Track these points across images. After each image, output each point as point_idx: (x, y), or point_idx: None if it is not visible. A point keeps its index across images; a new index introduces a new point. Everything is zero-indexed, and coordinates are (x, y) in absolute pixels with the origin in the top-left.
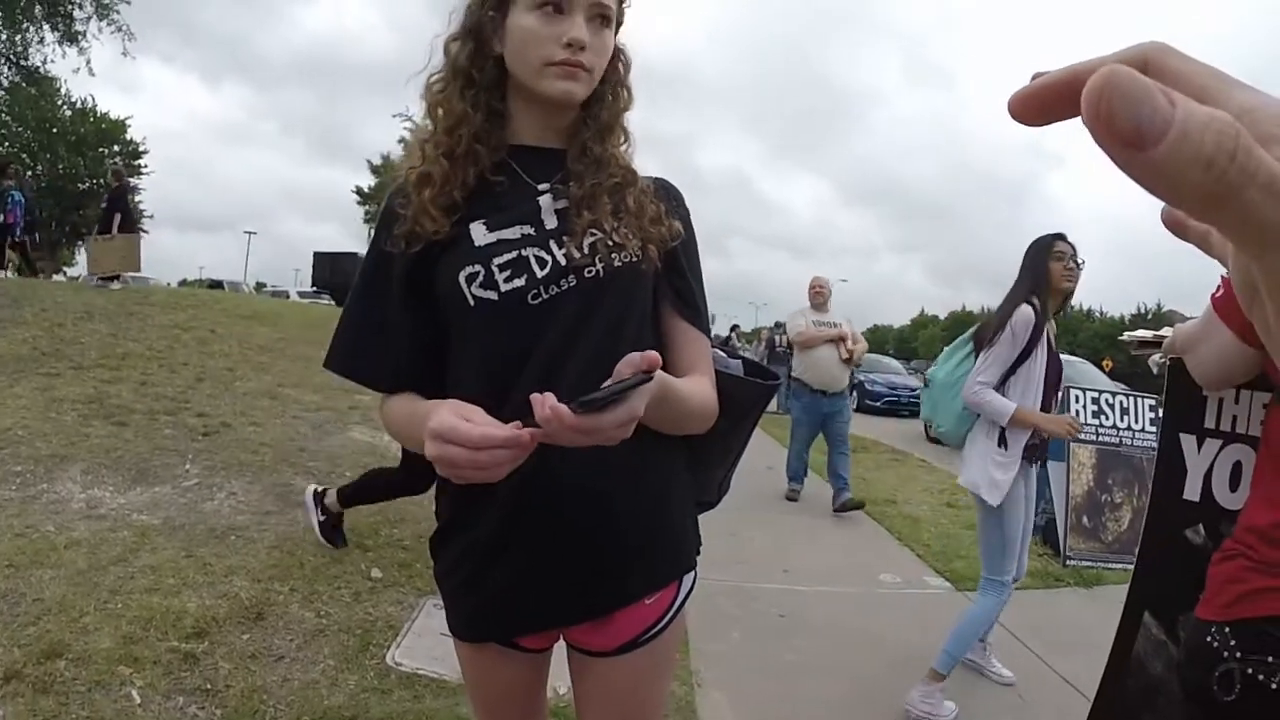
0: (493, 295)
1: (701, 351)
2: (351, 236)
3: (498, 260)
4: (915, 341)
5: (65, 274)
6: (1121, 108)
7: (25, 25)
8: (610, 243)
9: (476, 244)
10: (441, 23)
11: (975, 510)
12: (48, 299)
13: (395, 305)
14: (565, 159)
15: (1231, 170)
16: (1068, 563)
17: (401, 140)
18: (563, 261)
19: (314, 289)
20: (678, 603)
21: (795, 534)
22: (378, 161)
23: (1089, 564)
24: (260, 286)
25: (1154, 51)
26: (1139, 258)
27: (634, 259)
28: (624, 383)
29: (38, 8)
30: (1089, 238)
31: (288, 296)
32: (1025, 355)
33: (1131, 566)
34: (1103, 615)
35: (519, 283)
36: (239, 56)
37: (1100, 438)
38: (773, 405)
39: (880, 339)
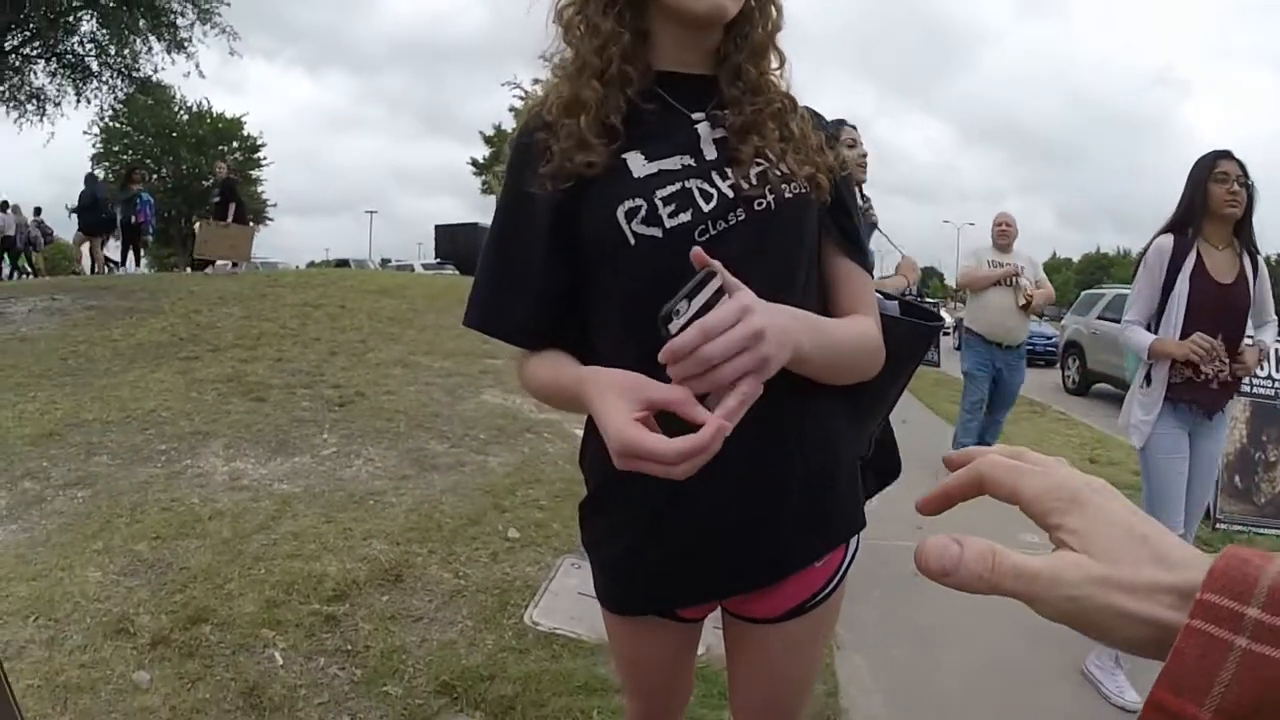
0: (656, 232)
1: (866, 291)
2: (468, 207)
3: (661, 193)
4: None
5: (215, 265)
6: (933, 558)
7: (132, 38)
8: (779, 172)
9: (636, 175)
10: None
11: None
12: (183, 289)
13: (538, 251)
14: (716, 85)
15: (993, 575)
16: (1217, 526)
17: (513, 109)
18: (730, 194)
19: (437, 261)
20: (845, 565)
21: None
22: (490, 132)
23: (1240, 528)
24: (385, 262)
25: (985, 466)
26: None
27: (804, 189)
28: (690, 285)
29: (142, 21)
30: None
31: (412, 270)
32: (1168, 287)
33: None
34: None
35: (685, 218)
36: (338, 47)
37: (1255, 389)
38: None
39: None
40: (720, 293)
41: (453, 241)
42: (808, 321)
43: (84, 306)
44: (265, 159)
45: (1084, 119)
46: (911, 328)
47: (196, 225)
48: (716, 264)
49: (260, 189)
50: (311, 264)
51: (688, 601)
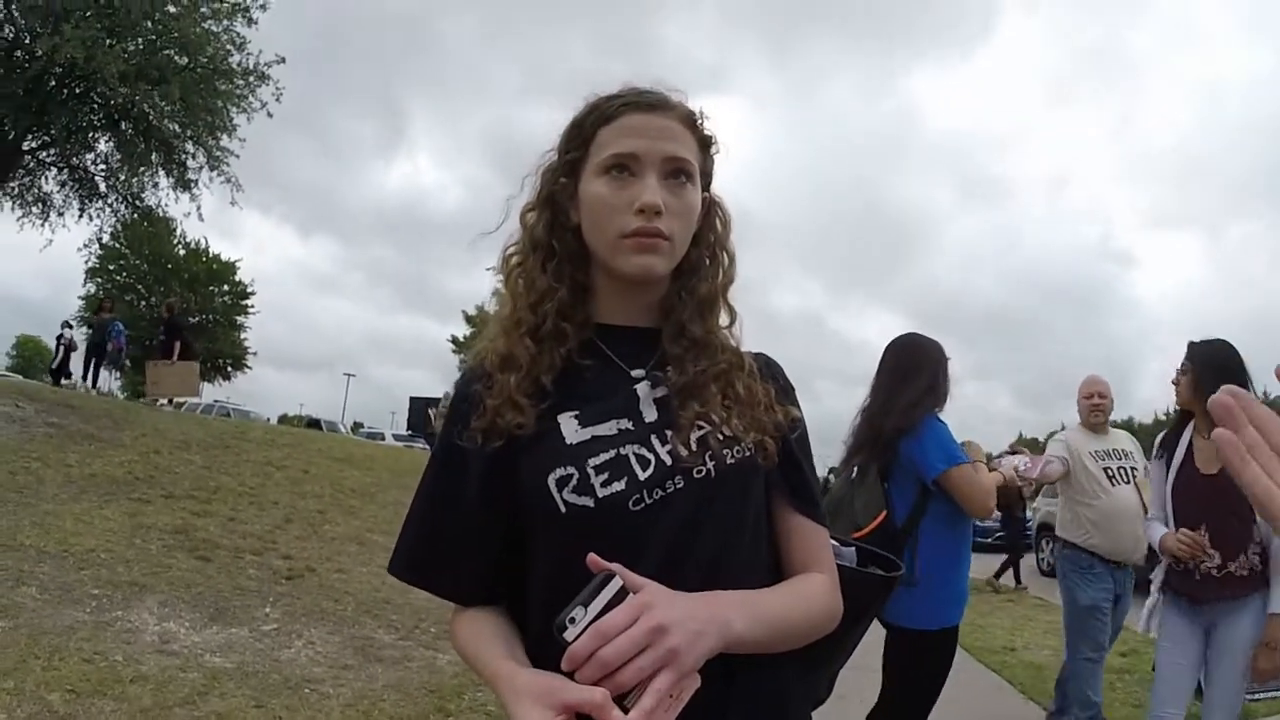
0: (588, 502)
1: (821, 546)
2: (445, 381)
3: (593, 461)
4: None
5: (172, 402)
6: None
7: (142, 169)
8: (720, 436)
9: (568, 441)
10: (507, 182)
11: None
12: (148, 425)
13: (469, 507)
14: (660, 340)
15: None
16: None
17: (496, 292)
18: (668, 460)
19: (409, 433)
20: None
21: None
22: (472, 311)
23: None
24: (357, 427)
25: None
26: (1224, 329)
27: (748, 453)
28: (586, 590)
29: (154, 154)
30: (1180, 333)
31: (383, 438)
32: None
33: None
34: None
35: (619, 486)
36: (327, 212)
37: None
38: None
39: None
40: (622, 593)
41: (425, 415)
42: (740, 601)
43: (45, 421)
44: (253, 307)
45: (1032, 298)
46: (869, 579)
47: (146, 366)
48: (615, 566)
49: (244, 335)
50: (284, 418)
51: None
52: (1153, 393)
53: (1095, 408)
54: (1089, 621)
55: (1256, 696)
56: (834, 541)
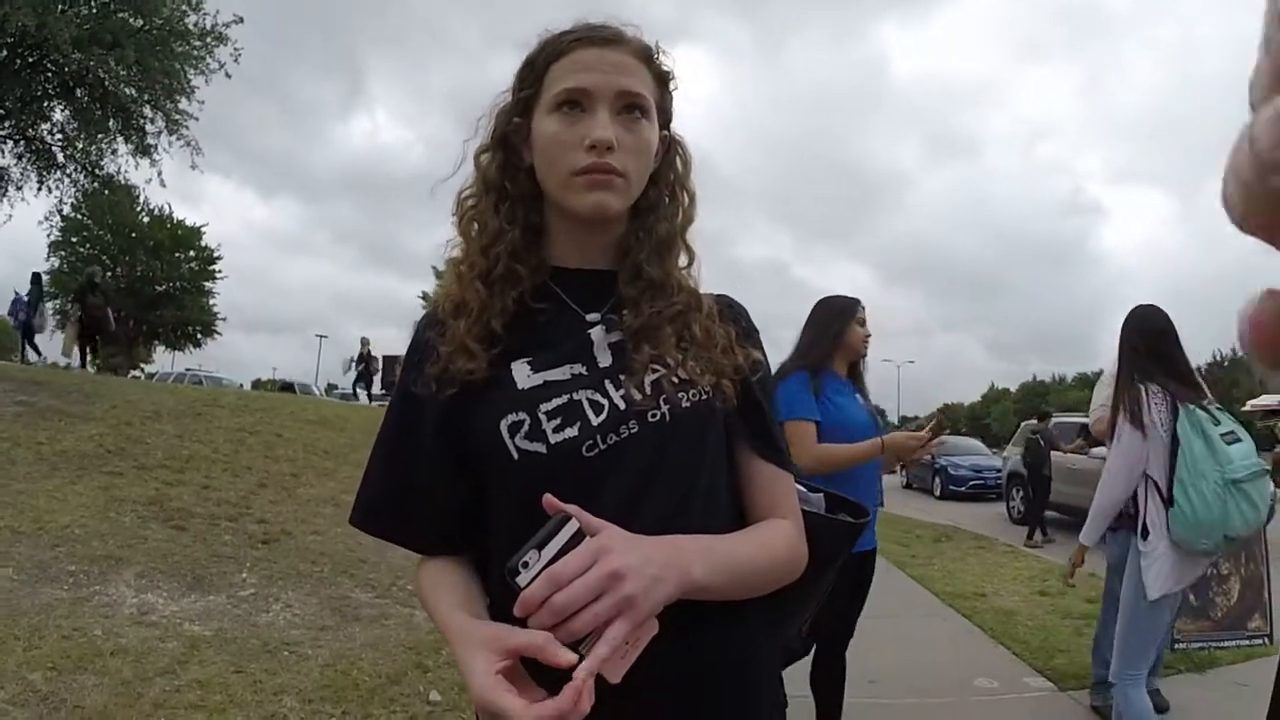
0: (540, 448)
1: (785, 492)
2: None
3: (545, 406)
4: (989, 418)
5: (142, 371)
6: None
7: (100, 137)
8: (676, 379)
9: (520, 387)
10: (462, 134)
11: None
12: (119, 397)
13: (426, 456)
14: (616, 281)
15: None
16: (1175, 646)
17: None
18: (621, 405)
19: (383, 391)
20: None
21: (878, 638)
22: (441, 267)
23: (1200, 645)
24: (331, 388)
25: None
26: (1196, 302)
27: (704, 396)
28: (541, 533)
29: (112, 121)
30: (1150, 286)
31: (357, 398)
32: None
33: (1244, 643)
34: (1219, 700)
35: (571, 432)
36: (289, 172)
37: None
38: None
39: (952, 418)
40: (578, 537)
41: (398, 372)
42: (700, 547)
43: (14, 401)
44: (220, 272)
45: (1001, 251)
46: (836, 525)
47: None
48: (572, 508)
49: (213, 301)
50: (257, 383)
51: None
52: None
53: None
54: (1114, 580)
55: (1223, 644)
56: (801, 487)
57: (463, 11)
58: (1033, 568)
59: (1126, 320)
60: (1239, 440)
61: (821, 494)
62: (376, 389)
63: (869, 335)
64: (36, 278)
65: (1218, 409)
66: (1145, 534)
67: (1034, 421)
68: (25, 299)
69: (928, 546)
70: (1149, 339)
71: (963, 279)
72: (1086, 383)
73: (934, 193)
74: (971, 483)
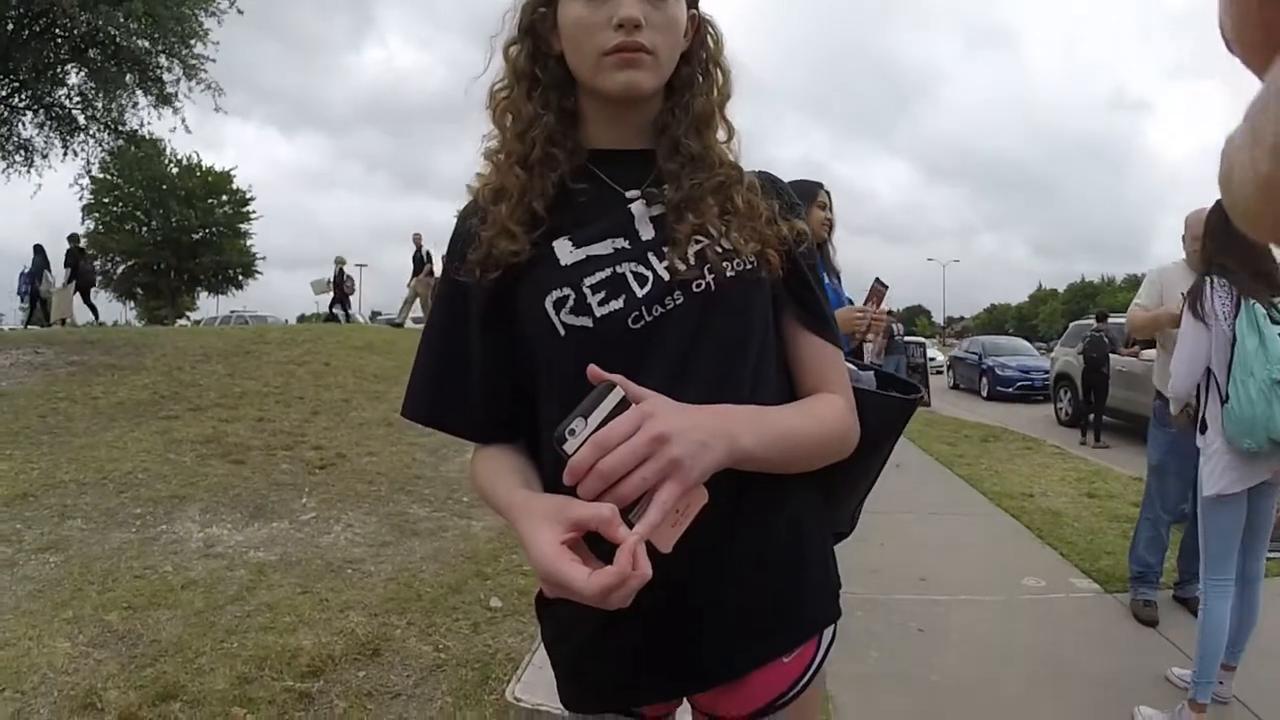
0: (587, 322)
1: (833, 366)
2: None
3: (589, 280)
4: (1036, 318)
5: (189, 319)
6: None
7: (118, 93)
8: (720, 249)
9: (563, 263)
10: (484, 50)
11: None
12: (168, 344)
13: (475, 342)
14: (655, 160)
15: None
16: None
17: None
18: (666, 276)
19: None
20: (818, 658)
21: (929, 537)
22: (476, 184)
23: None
24: (375, 315)
25: None
26: None
27: (749, 266)
28: (586, 401)
29: (128, 75)
30: (1201, 181)
31: (403, 325)
32: None
33: None
34: (1272, 610)
35: (616, 305)
36: (309, 108)
37: None
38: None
39: (999, 319)
40: (624, 404)
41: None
42: (749, 416)
43: (67, 361)
44: (254, 213)
45: (1045, 149)
46: (888, 402)
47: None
48: (617, 377)
49: (250, 243)
50: (302, 318)
51: (643, 700)
52: (1169, 249)
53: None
54: (1154, 482)
55: (1275, 554)
56: (851, 365)
57: None
58: (1080, 469)
59: (1209, 213)
60: None
61: (872, 372)
62: (355, 309)
63: (829, 219)
64: (39, 249)
65: None
66: (1204, 428)
67: (1091, 321)
68: (26, 270)
69: (975, 446)
70: (1226, 231)
71: (1008, 176)
72: (1136, 284)
73: (973, 87)
74: (1019, 383)
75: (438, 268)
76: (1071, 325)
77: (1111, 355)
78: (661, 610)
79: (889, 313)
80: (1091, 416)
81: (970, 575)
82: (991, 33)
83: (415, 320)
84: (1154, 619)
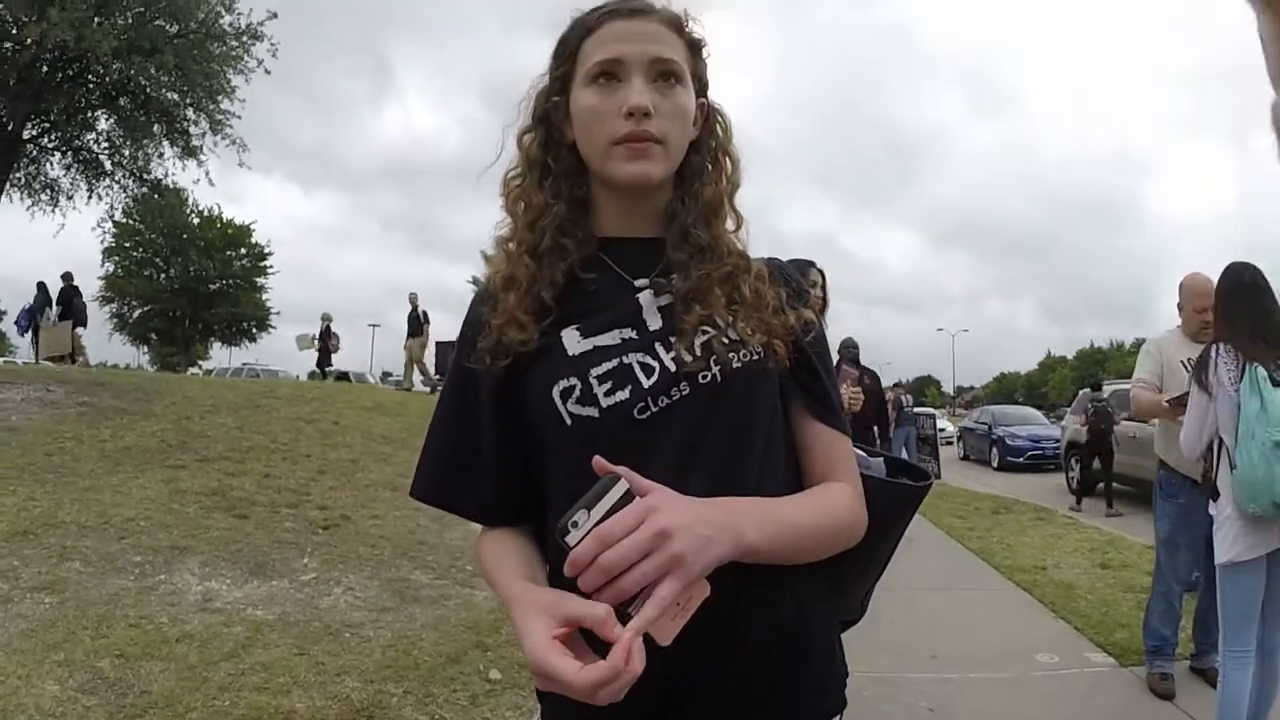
0: (593, 412)
1: (842, 455)
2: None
3: (596, 371)
4: (1045, 386)
5: (200, 368)
6: None
7: (145, 142)
8: (726, 340)
9: (570, 353)
10: (503, 118)
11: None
12: (178, 393)
13: (484, 428)
14: (664, 248)
15: None
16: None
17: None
18: (672, 367)
19: (438, 377)
20: None
21: (940, 614)
22: (491, 251)
23: None
24: (386, 376)
25: None
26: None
27: (756, 356)
28: (590, 493)
29: (156, 126)
30: (1207, 241)
31: (411, 387)
32: None
33: None
34: None
35: (623, 395)
36: (329, 165)
37: None
38: None
39: (1009, 387)
40: (628, 497)
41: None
42: (754, 508)
43: (77, 401)
44: (271, 267)
45: (1050, 211)
46: (898, 489)
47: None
48: (622, 469)
49: (266, 297)
50: (312, 374)
51: None
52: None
53: (1208, 325)
54: (1165, 555)
55: None
56: (860, 452)
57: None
58: (1093, 540)
59: (1219, 280)
60: None
61: (881, 458)
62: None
63: (820, 298)
64: (42, 285)
65: None
66: (1216, 495)
67: (1092, 390)
68: (27, 307)
69: (986, 519)
70: (1231, 297)
71: (1013, 240)
72: None
73: (977, 152)
74: (1029, 453)
75: (437, 329)
76: (1080, 393)
77: (1119, 423)
78: (660, 704)
79: (896, 384)
80: (1101, 485)
81: (982, 652)
82: (996, 95)
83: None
84: (1171, 692)
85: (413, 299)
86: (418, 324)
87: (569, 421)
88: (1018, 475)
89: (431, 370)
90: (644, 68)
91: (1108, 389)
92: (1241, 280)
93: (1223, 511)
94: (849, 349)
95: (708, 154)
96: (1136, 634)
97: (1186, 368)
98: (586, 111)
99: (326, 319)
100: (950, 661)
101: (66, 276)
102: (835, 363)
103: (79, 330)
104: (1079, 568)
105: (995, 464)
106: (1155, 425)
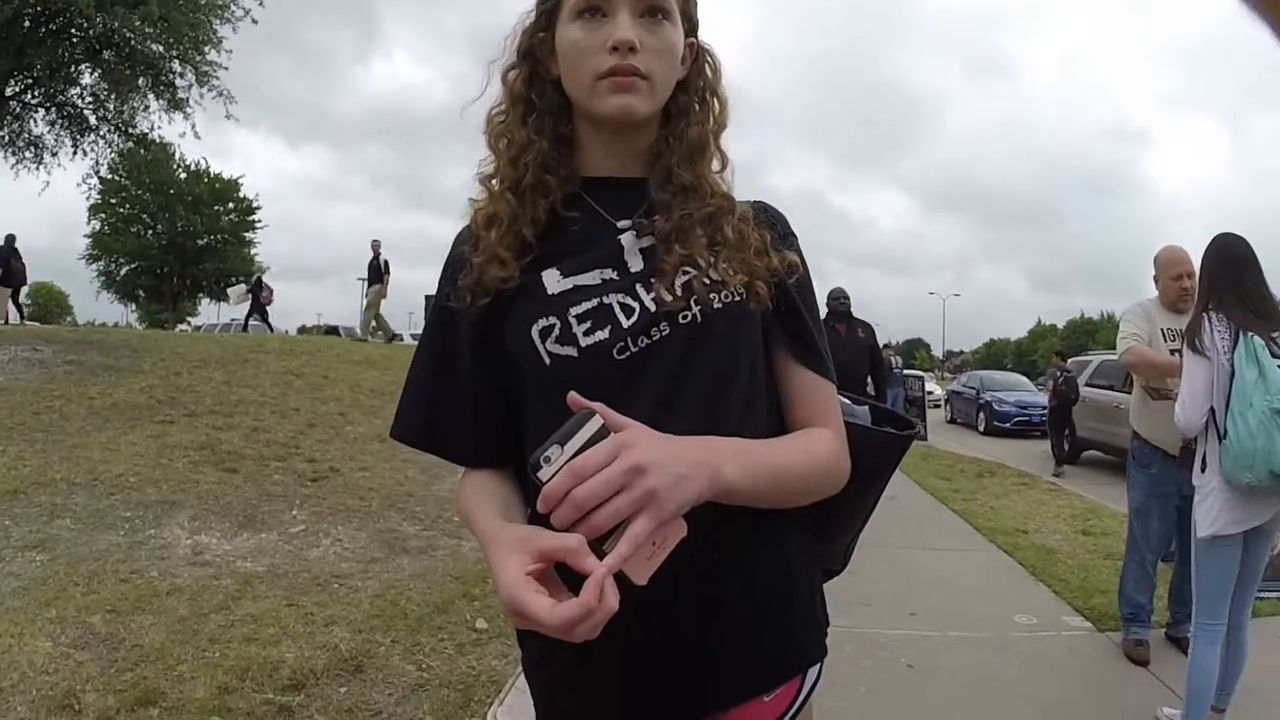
0: (572, 351)
1: (825, 401)
2: None
3: (575, 310)
4: (1035, 354)
5: (189, 324)
6: None
7: (130, 95)
8: (707, 280)
9: (550, 292)
10: (485, 69)
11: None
12: (166, 349)
13: (464, 367)
14: (648, 189)
15: None
16: None
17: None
18: (652, 307)
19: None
20: (801, 698)
21: (921, 571)
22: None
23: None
24: (374, 331)
25: None
26: (1245, 226)
27: (737, 297)
28: (564, 428)
29: (141, 79)
30: (1198, 216)
31: (402, 339)
32: None
33: None
34: (1258, 653)
35: (602, 335)
36: (315, 119)
37: None
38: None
39: (998, 354)
40: (603, 433)
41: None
42: (733, 448)
43: (65, 360)
44: (260, 222)
45: (1045, 179)
46: (883, 437)
47: None
48: (597, 405)
49: (254, 251)
50: (302, 328)
51: None
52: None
53: (1186, 292)
54: (1138, 522)
55: (1263, 595)
56: (846, 400)
57: None
58: (1075, 506)
59: (1206, 249)
60: None
61: (867, 406)
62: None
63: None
64: (9, 238)
65: None
66: (1204, 467)
67: (1091, 358)
68: None
69: (971, 482)
70: (1223, 268)
71: (1006, 206)
72: None
73: (972, 116)
74: (1016, 419)
75: (427, 284)
76: (1070, 362)
77: (1093, 390)
78: (640, 643)
79: (885, 346)
80: (1066, 447)
81: (962, 611)
82: (992, 61)
83: (372, 333)
84: (1146, 658)
85: (375, 246)
86: (378, 272)
87: (548, 361)
88: (1004, 440)
89: (414, 324)
90: (631, 2)
91: (1096, 358)
92: (1231, 251)
93: (1208, 483)
94: (840, 300)
95: (695, 94)
96: (1114, 600)
97: (1167, 337)
98: (571, 45)
99: (260, 270)
100: (929, 620)
101: (8, 239)
102: (827, 315)
103: (22, 290)
104: (1060, 533)
105: (981, 428)
106: (1132, 395)
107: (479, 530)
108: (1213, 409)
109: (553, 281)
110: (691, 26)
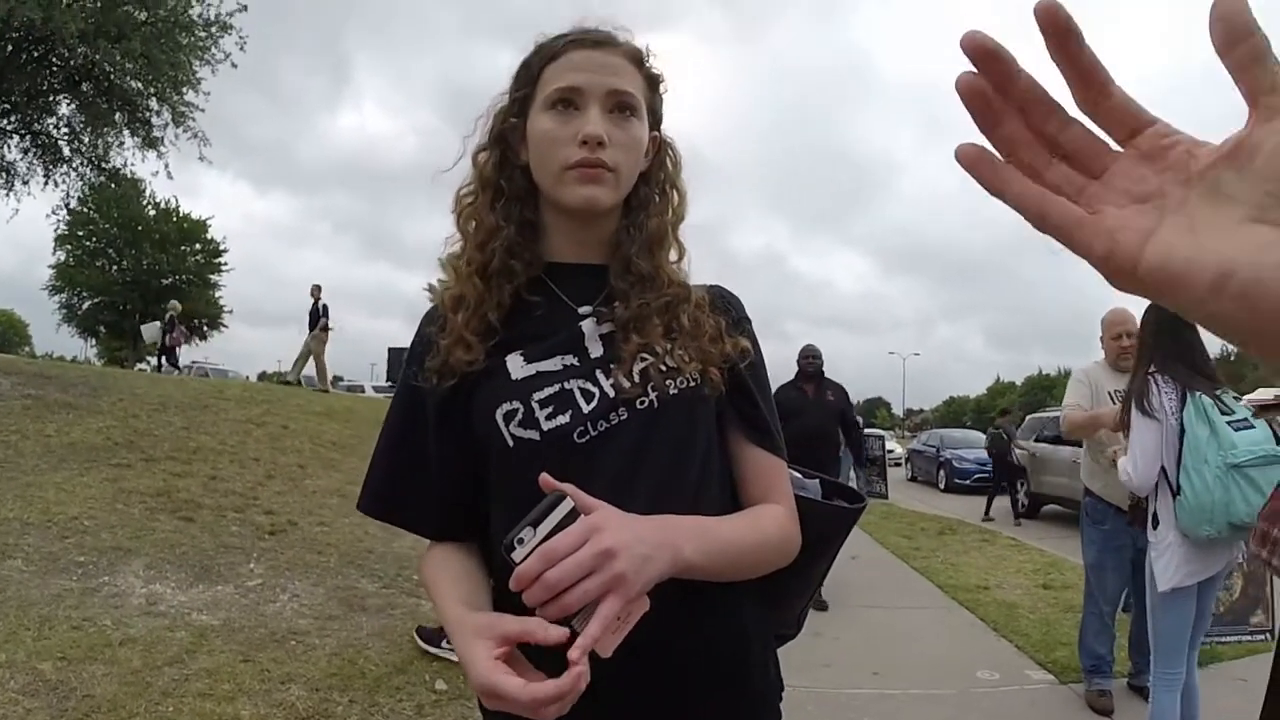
0: (534, 435)
1: (776, 477)
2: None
3: (538, 395)
4: (994, 410)
5: (148, 364)
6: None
7: (106, 130)
8: (664, 367)
9: (514, 377)
10: (458, 127)
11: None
12: (125, 389)
13: (429, 445)
14: (608, 275)
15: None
16: None
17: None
18: (611, 393)
19: (389, 384)
20: None
21: (883, 630)
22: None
23: (1202, 641)
24: (337, 380)
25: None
26: None
27: (692, 383)
28: (536, 510)
29: (118, 115)
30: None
31: (363, 391)
32: None
33: (1246, 638)
34: (1219, 695)
35: (563, 420)
36: (283, 164)
37: None
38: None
39: (958, 411)
40: (573, 515)
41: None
42: (692, 527)
43: (22, 394)
44: (226, 264)
45: (999, 238)
46: (832, 510)
47: None
48: (568, 487)
49: (219, 294)
50: (263, 375)
51: None
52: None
53: (1125, 351)
54: (1094, 580)
55: (1224, 640)
56: (796, 474)
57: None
58: (1036, 561)
59: (1145, 312)
60: (1251, 427)
61: (817, 480)
62: (185, 360)
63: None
64: None
65: (1233, 398)
66: (1155, 523)
67: (1048, 414)
68: None
69: (932, 539)
70: (1164, 330)
71: (962, 267)
72: None
73: (928, 178)
74: (976, 475)
75: (391, 335)
76: (1028, 419)
77: (1044, 445)
78: (604, 712)
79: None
80: (1009, 501)
81: (924, 669)
82: (945, 126)
83: (306, 379)
84: (1109, 708)
85: (314, 291)
86: (316, 317)
87: (511, 443)
88: (964, 497)
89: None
90: (602, 98)
91: (1055, 413)
92: (1168, 313)
93: (1164, 539)
94: (810, 359)
95: (656, 185)
96: (1076, 653)
97: (1113, 399)
98: (543, 135)
99: (172, 309)
100: (892, 678)
101: None
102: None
103: None
104: (1021, 588)
105: (942, 486)
106: (1082, 454)
107: (444, 616)
108: (1164, 467)
109: (516, 366)
110: (656, 121)
